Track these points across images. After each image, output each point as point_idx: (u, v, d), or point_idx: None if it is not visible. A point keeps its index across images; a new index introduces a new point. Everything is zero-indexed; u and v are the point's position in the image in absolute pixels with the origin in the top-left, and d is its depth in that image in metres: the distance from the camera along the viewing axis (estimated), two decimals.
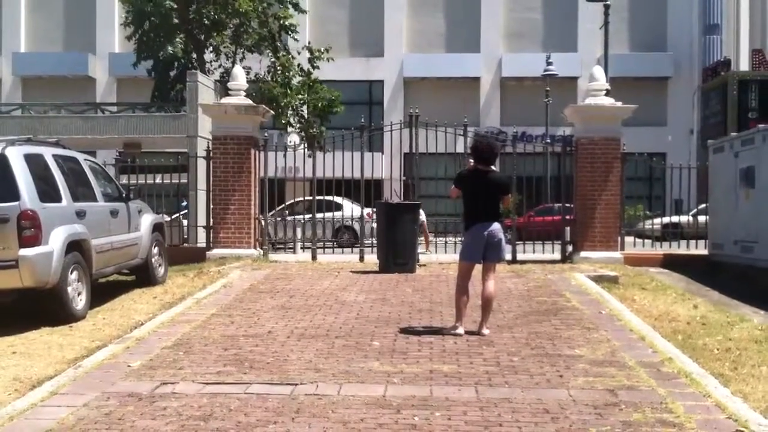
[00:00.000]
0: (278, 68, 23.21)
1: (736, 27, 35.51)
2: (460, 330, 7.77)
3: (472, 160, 8.05)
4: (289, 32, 23.60)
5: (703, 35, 34.62)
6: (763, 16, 35.46)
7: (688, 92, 34.85)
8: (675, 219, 18.27)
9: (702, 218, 16.20)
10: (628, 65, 33.04)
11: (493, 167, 8.05)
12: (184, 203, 17.62)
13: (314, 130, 23.43)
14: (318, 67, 23.89)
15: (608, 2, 23.01)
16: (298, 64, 23.68)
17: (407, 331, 7.93)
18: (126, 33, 24.12)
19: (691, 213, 18.91)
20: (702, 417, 5.18)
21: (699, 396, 5.67)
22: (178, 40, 22.45)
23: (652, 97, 33.35)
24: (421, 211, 13.31)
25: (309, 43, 25.59)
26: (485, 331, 7.79)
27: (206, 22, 22.04)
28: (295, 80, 23.51)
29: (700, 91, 34.12)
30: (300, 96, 23.19)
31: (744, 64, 34.21)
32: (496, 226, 7.87)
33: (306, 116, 23.98)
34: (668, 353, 6.97)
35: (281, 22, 23.31)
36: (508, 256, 14.25)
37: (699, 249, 15.26)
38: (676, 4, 35.05)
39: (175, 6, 21.75)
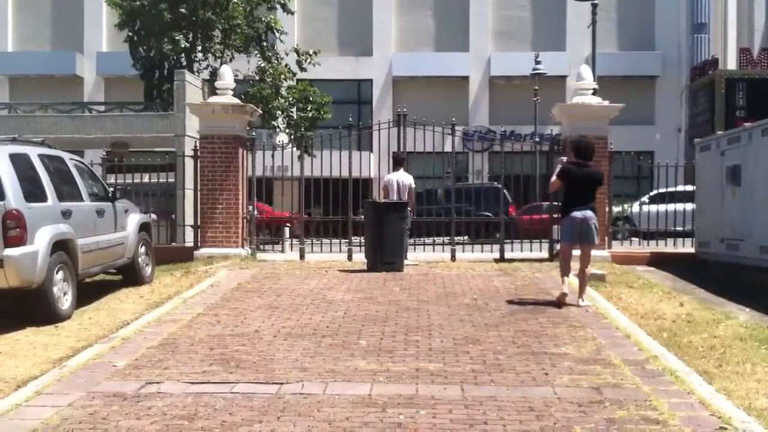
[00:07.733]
0: (268, 70, 23.31)
1: (723, 26, 35.65)
2: (565, 289, 9.13)
3: (565, 158, 9.64)
4: (276, 32, 23.66)
5: (690, 34, 34.73)
6: (750, 15, 35.59)
7: (675, 91, 34.97)
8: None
9: None
10: (616, 64, 33.13)
11: (590, 163, 9.38)
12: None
13: (302, 131, 23.49)
14: (305, 69, 24.08)
15: (596, 1, 23.05)
16: (286, 65, 23.78)
17: (394, 329, 7.93)
18: (117, 34, 24.01)
19: None
20: (686, 414, 5.22)
21: (683, 393, 5.70)
22: (175, 37, 22.41)
23: (640, 95, 33.43)
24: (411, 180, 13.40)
25: (297, 45, 25.65)
26: (581, 302, 9.13)
27: (199, 20, 22.01)
28: (285, 85, 23.67)
29: (687, 90, 34.24)
30: (288, 99, 23.41)
31: (731, 63, 34.30)
32: (589, 213, 9.12)
33: (295, 119, 24.10)
34: (653, 351, 7.00)
35: (268, 22, 23.39)
36: (496, 255, 14.32)
37: (686, 247, 15.31)
38: (663, 3, 35.16)
39: (167, 5, 21.71)
